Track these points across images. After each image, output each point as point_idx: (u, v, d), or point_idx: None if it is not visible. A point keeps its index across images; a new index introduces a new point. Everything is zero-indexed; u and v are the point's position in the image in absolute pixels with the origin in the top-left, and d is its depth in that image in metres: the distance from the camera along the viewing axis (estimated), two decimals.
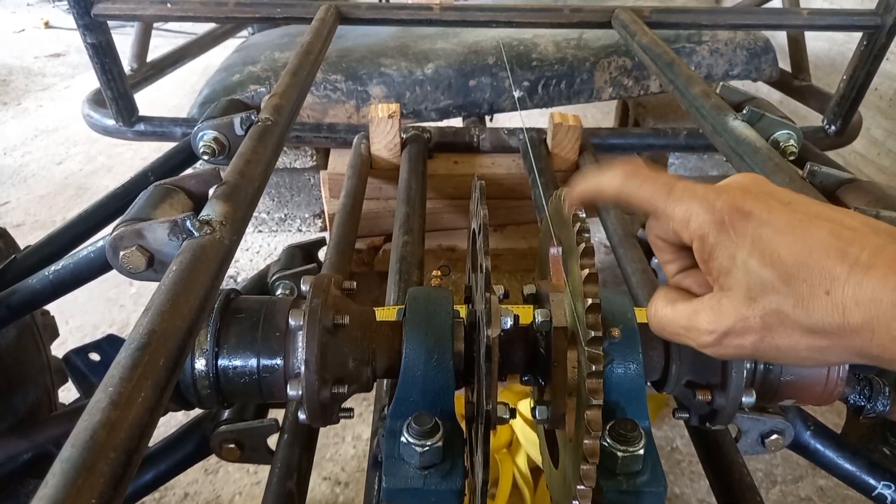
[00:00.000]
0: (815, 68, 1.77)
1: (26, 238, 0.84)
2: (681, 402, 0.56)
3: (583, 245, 0.43)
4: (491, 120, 1.72)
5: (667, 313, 0.40)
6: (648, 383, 0.54)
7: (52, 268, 0.66)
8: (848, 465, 0.70)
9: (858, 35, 1.28)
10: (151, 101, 1.61)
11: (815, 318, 0.32)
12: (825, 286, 0.32)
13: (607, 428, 0.44)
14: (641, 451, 0.44)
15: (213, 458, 0.71)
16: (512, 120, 2.00)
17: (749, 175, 0.39)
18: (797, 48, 1.68)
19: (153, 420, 0.36)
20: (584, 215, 0.46)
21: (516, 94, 1.49)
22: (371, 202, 1.27)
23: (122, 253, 0.53)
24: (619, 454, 0.44)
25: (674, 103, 1.70)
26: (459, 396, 0.53)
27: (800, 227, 0.33)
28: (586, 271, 0.42)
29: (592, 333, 0.41)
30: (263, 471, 1.20)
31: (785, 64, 1.68)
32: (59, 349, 0.87)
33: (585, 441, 0.40)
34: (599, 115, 2.68)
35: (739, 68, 1.56)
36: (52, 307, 0.79)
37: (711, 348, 0.38)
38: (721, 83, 0.96)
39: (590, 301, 0.41)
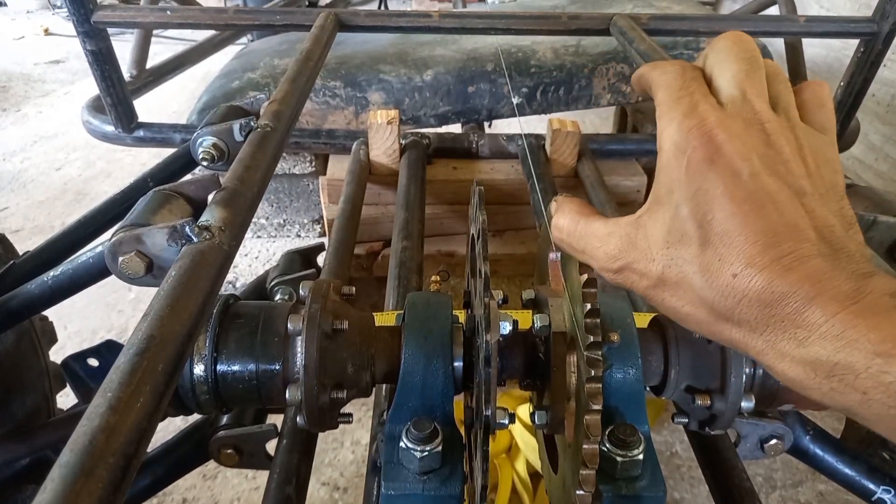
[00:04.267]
0: (813, 74, 1.78)
1: (25, 243, 0.84)
2: (680, 407, 0.56)
3: None
4: (490, 126, 1.72)
5: (580, 228, 0.39)
6: (647, 388, 0.54)
7: (51, 273, 0.66)
8: (847, 470, 0.70)
9: (855, 42, 1.29)
10: (151, 106, 1.62)
11: (710, 293, 0.31)
12: (735, 269, 0.30)
13: (606, 433, 0.44)
14: (641, 456, 0.44)
15: (211, 464, 0.71)
16: (511, 126, 2.01)
17: (754, 92, 0.34)
18: (795, 54, 1.69)
19: (152, 425, 0.36)
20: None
21: (515, 100, 1.50)
22: (370, 208, 1.27)
23: (121, 258, 0.54)
24: (619, 459, 0.43)
25: None
26: (458, 401, 0.53)
27: (749, 204, 0.31)
28: (585, 276, 0.42)
29: (591, 338, 0.41)
30: (262, 476, 1.20)
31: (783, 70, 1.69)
32: (57, 354, 0.87)
33: (585, 446, 0.40)
34: (598, 120, 2.69)
35: None
36: (51, 312, 0.79)
37: (609, 274, 0.37)
38: None
39: (589, 306, 0.41)
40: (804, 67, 1.69)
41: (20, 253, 0.84)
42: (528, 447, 1.11)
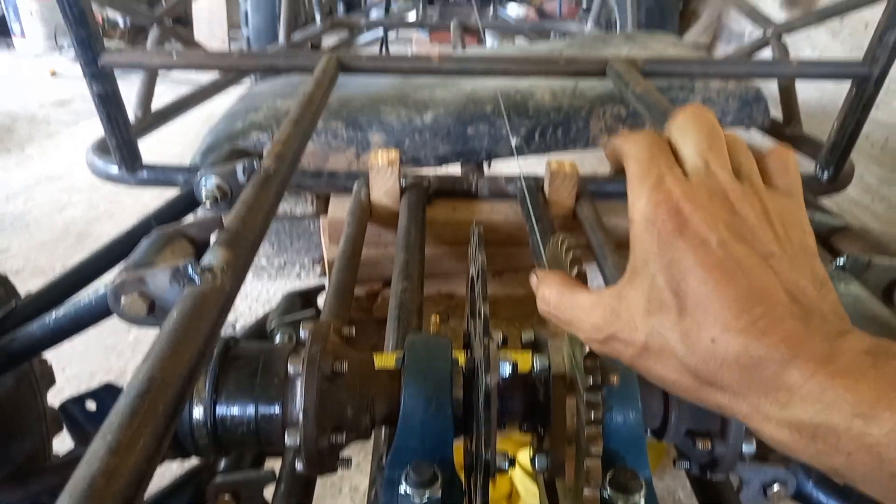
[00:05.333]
0: (807, 116, 1.80)
1: (25, 284, 0.84)
2: (681, 451, 0.56)
3: None
4: (489, 166, 1.74)
5: (565, 301, 0.40)
6: (648, 432, 0.53)
7: (53, 314, 0.66)
8: None
9: (848, 84, 1.31)
10: (154, 147, 1.63)
11: (692, 359, 0.32)
12: (713, 334, 0.31)
13: (607, 477, 0.44)
14: (642, 502, 0.43)
15: None
16: (510, 165, 2.03)
17: (717, 163, 0.35)
18: (788, 96, 1.72)
19: (151, 468, 0.36)
20: (579, 254, 0.46)
21: (513, 141, 1.52)
22: (370, 248, 1.28)
23: (123, 299, 0.54)
24: None
25: None
26: (458, 446, 0.53)
27: (719, 271, 0.31)
28: None
29: (591, 380, 0.41)
30: None
31: (777, 112, 1.72)
32: (55, 398, 0.87)
33: (585, 491, 0.40)
34: (596, 161, 2.71)
35: (731, 116, 1.59)
36: (49, 355, 0.78)
37: (595, 345, 0.38)
38: None
39: (588, 347, 0.41)
40: (798, 109, 1.72)
41: (21, 294, 0.84)
42: (529, 493, 1.09)
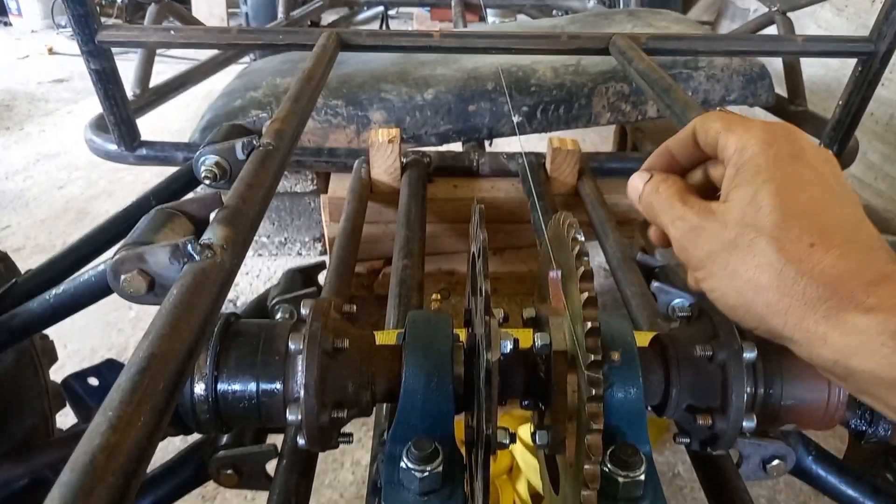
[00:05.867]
0: (812, 93, 1.79)
1: (26, 262, 0.84)
2: (682, 427, 0.56)
3: (582, 268, 0.43)
4: (490, 144, 1.73)
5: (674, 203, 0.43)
6: (649, 408, 0.53)
7: (53, 291, 0.66)
8: (851, 491, 0.70)
9: (853, 61, 1.29)
10: (153, 125, 1.63)
11: (781, 260, 0.34)
12: (814, 239, 0.34)
13: (608, 453, 0.44)
14: (643, 477, 0.43)
15: (210, 485, 0.71)
16: (511, 144, 2.01)
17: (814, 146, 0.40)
18: (793, 74, 1.70)
19: (152, 444, 0.36)
20: (582, 238, 0.46)
21: (515, 119, 1.50)
22: (371, 226, 1.28)
23: (123, 276, 0.54)
24: (620, 479, 0.43)
25: (671, 128, 1.70)
26: (459, 421, 0.53)
27: (832, 196, 0.36)
28: (585, 295, 0.42)
29: (592, 357, 0.41)
30: (261, 497, 1.19)
31: (781, 89, 1.70)
32: (57, 374, 0.87)
33: (586, 466, 0.40)
34: (598, 139, 2.70)
35: (736, 93, 1.57)
36: (51, 331, 0.78)
37: (679, 241, 0.41)
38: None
39: (589, 324, 0.41)
40: (802, 87, 1.70)
41: (21, 272, 0.84)
42: (530, 468, 1.10)
